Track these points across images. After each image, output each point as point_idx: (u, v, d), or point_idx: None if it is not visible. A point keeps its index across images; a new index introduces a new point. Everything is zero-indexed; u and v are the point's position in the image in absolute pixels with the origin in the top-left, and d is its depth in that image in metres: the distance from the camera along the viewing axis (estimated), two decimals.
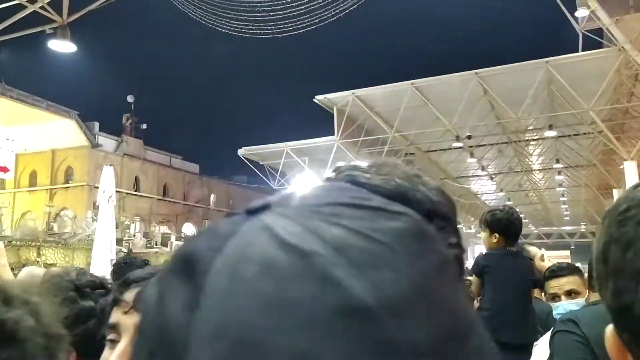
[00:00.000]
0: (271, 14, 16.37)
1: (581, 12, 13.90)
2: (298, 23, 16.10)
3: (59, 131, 28.19)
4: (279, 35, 17.05)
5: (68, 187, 29.74)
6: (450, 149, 21.35)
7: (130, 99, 35.38)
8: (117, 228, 10.41)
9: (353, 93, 19.01)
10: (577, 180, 27.75)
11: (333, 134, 19.96)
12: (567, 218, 41.49)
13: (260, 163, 22.93)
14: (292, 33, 16.60)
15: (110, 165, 9.28)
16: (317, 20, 15.43)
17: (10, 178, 26.99)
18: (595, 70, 15.29)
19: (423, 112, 18.36)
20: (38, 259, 13.98)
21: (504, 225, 3.25)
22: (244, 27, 16.22)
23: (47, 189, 29.96)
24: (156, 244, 27.15)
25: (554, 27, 18.60)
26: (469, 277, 3.36)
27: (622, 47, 14.04)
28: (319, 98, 19.75)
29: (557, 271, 2.58)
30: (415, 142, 21.86)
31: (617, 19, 13.61)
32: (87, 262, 11.14)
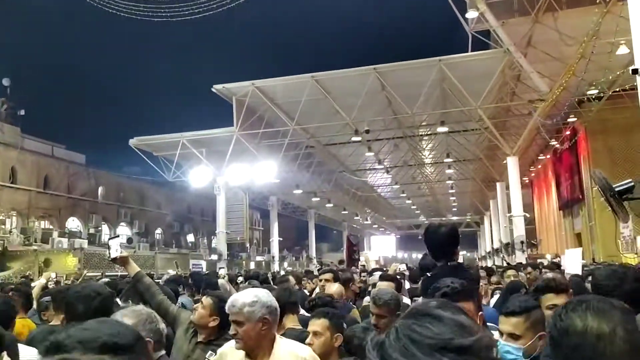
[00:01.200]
0: None
1: (471, 14, 14.53)
2: (194, 7, 15.29)
3: None
4: (173, 20, 16.09)
5: None
6: (349, 142, 21.65)
7: (5, 82, 32.04)
8: None
9: (253, 84, 18.59)
10: (465, 173, 29.52)
11: (233, 126, 19.40)
12: (455, 209, 44.15)
13: (154, 154, 21.77)
14: (188, 18, 15.73)
15: None
16: (215, 6, 14.74)
17: None
18: (483, 70, 16.16)
19: (323, 106, 18.39)
20: None
21: (427, 241, 3.11)
22: (134, 7, 15.09)
23: None
24: (36, 241, 24.93)
25: (449, 26, 19.41)
26: None
27: (507, 49, 14.93)
28: (217, 87, 19.08)
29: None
30: (316, 135, 21.92)
31: (503, 22, 14.43)
32: None
